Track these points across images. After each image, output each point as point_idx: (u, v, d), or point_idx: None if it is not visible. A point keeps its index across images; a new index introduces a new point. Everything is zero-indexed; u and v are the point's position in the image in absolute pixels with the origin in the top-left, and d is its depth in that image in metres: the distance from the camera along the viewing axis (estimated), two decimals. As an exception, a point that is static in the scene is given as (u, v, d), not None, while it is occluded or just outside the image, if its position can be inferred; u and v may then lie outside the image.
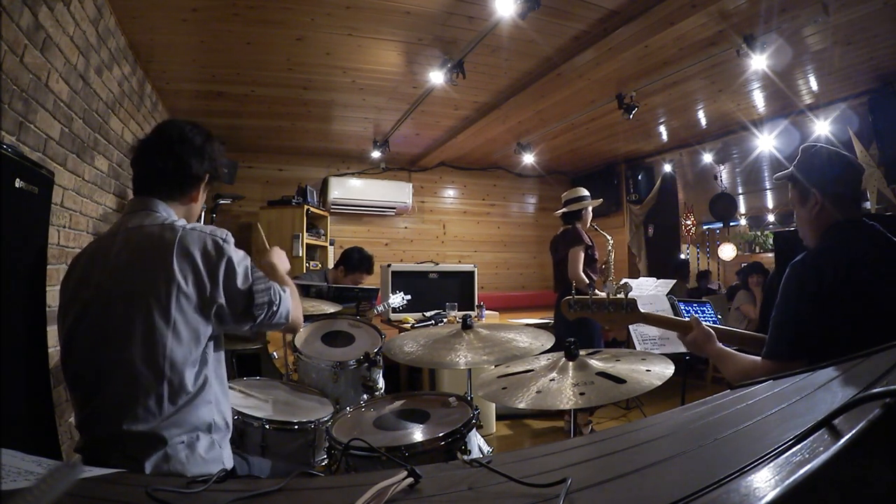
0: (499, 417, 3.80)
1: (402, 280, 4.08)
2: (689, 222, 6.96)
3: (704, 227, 8.58)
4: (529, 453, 0.74)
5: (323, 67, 3.36)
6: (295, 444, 1.74)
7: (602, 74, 3.35)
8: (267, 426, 1.68)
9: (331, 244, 5.25)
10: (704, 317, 2.53)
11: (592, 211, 3.58)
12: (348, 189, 5.48)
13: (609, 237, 3.61)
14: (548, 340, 1.70)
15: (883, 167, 3.69)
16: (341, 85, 3.67)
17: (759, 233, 9.02)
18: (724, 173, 6.19)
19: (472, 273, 4.56)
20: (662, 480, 0.51)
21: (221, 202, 4.31)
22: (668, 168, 5.70)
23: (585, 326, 3.07)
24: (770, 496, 0.37)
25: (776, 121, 4.41)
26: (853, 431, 0.44)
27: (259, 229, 2.36)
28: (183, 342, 1.08)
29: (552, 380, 1.29)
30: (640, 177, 5.87)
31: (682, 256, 6.87)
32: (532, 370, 1.40)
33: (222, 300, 1.13)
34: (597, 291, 2.31)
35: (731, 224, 7.95)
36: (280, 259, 1.52)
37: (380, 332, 2.37)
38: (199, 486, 0.65)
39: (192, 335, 1.10)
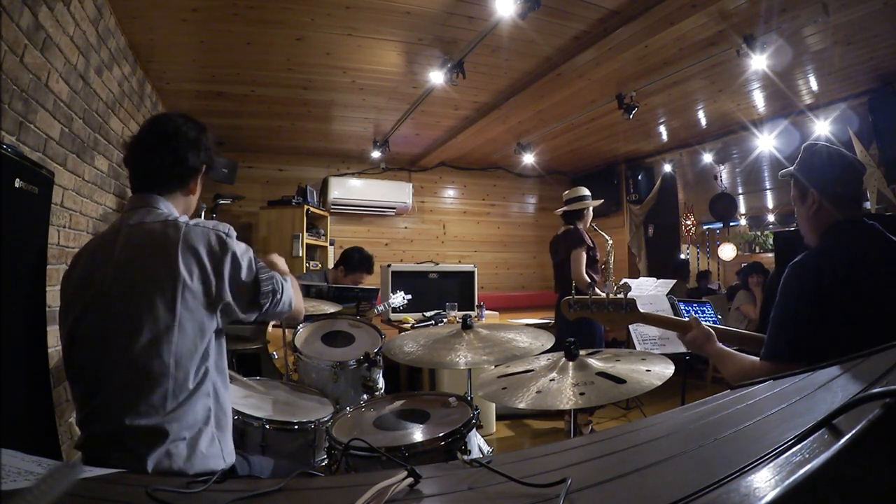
0: (499, 417, 3.80)
1: (402, 280, 4.08)
2: (689, 222, 6.96)
3: (704, 227, 8.59)
4: (529, 453, 0.74)
5: (323, 67, 3.36)
6: (295, 444, 1.74)
7: (602, 74, 3.35)
8: (267, 426, 1.68)
9: (331, 244, 5.25)
10: (704, 317, 2.53)
11: (592, 211, 3.58)
12: (348, 189, 5.48)
13: (608, 237, 3.61)
14: (548, 340, 1.70)
15: (883, 167, 3.69)
16: (341, 85, 3.67)
17: (759, 233, 9.02)
18: (724, 173, 6.19)
19: (472, 273, 4.56)
20: (662, 480, 0.51)
21: (221, 202, 4.30)
22: (668, 168, 5.70)
23: (587, 327, 3.07)
24: (770, 496, 0.37)
25: (776, 121, 4.41)
26: (853, 431, 0.44)
27: None
28: (188, 338, 1.09)
29: (552, 380, 1.29)
30: (640, 177, 5.87)
31: (682, 256, 6.87)
32: (532, 370, 1.40)
33: (228, 294, 1.14)
34: (597, 291, 2.31)
35: (731, 224, 7.95)
36: (279, 259, 1.53)
37: (380, 332, 2.37)
38: (199, 486, 0.65)
39: (198, 331, 1.10)
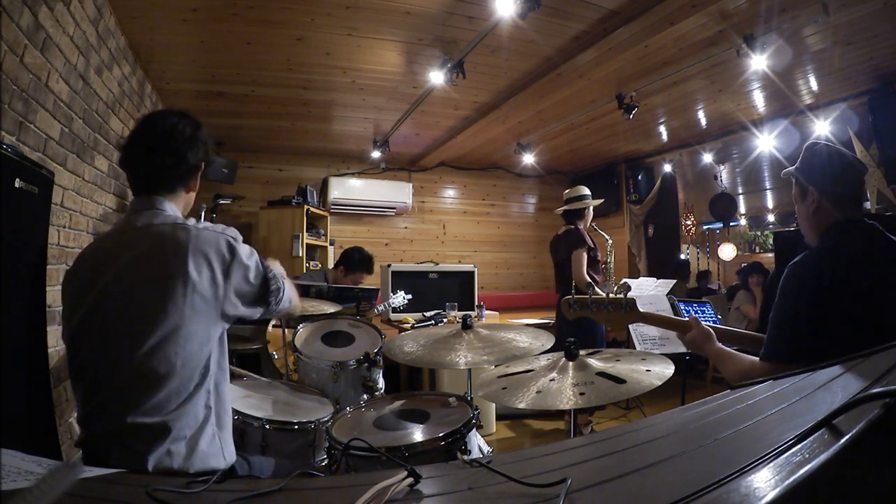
0: (499, 417, 3.80)
1: (402, 280, 4.08)
2: (689, 222, 6.96)
3: (704, 227, 8.58)
4: (529, 453, 0.74)
5: (323, 67, 3.36)
6: (295, 444, 1.74)
7: (602, 74, 3.35)
8: (267, 426, 1.68)
9: (331, 244, 5.25)
10: (704, 317, 2.53)
11: (592, 210, 3.58)
12: (348, 189, 5.48)
13: (608, 237, 3.61)
14: (548, 340, 1.70)
15: (883, 167, 3.69)
16: (341, 85, 3.67)
17: (759, 233, 9.02)
18: (724, 173, 6.19)
19: (472, 273, 4.56)
20: (662, 480, 0.51)
21: (221, 202, 4.30)
22: (668, 168, 5.69)
23: (588, 327, 3.07)
24: (770, 496, 0.37)
25: (776, 121, 4.41)
26: (853, 431, 0.44)
27: None
28: (195, 339, 1.10)
29: (552, 380, 1.29)
30: (640, 177, 5.87)
31: (683, 256, 6.87)
32: (532, 370, 1.40)
33: (236, 296, 1.17)
34: (597, 291, 2.31)
35: (731, 224, 7.95)
36: (274, 262, 1.55)
37: (380, 332, 2.37)
38: (199, 486, 0.65)
39: (205, 332, 1.12)
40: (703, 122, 4.63)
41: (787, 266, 1.27)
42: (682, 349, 1.58)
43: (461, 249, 6.24)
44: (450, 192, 6.26)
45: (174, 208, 1.22)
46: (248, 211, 5.09)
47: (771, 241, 7.80)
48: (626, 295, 1.51)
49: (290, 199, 4.76)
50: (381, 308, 3.49)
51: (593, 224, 3.62)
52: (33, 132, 1.76)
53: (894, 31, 2.90)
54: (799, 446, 0.46)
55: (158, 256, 1.11)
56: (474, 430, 1.54)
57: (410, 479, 0.59)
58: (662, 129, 4.91)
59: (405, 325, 3.81)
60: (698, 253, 8.74)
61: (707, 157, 5.33)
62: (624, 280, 3.06)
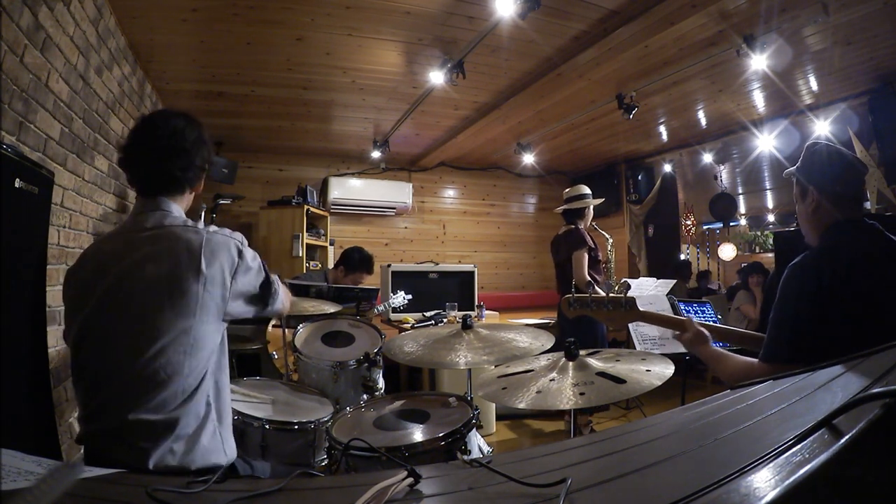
0: (499, 418, 3.80)
1: (402, 280, 4.08)
2: (689, 222, 6.96)
3: (704, 227, 8.58)
4: (529, 453, 0.74)
5: (323, 67, 3.36)
6: (295, 445, 1.74)
7: (602, 74, 3.35)
8: (267, 426, 1.68)
9: (331, 244, 5.25)
10: (704, 317, 2.53)
11: (593, 210, 3.57)
12: (348, 189, 5.48)
13: (608, 237, 3.61)
14: (548, 340, 1.70)
15: (883, 167, 3.69)
16: (341, 85, 3.67)
17: (759, 233, 9.01)
18: (724, 173, 6.19)
19: (472, 273, 4.56)
20: (662, 480, 0.51)
21: (221, 202, 4.30)
22: (668, 168, 5.69)
23: (590, 327, 3.07)
24: (770, 496, 0.37)
25: (776, 121, 4.41)
26: (853, 431, 0.44)
27: None
28: (202, 339, 1.12)
29: (552, 380, 1.29)
30: (640, 177, 5.87)
31: (683, 256, 6.87)
32: (532, 370, 1.40)
33: (240, 298, 1.20)
34: (597, 290, 2.31)
35: (731, 224, 7.95)
36: None
37: (380, 332, 2.37)
38: (199, 486, 0.65)
39: (213, 333, 1.15)
40: (703, 122, 4.62)
41: (788, 266, 1.27)
42: (683, 349, 1.58)
43: (461, 249, 6.24)
44: (450, 192, 6.26)
45: (179, 209, 1.24)
46: (248, 211, 5.10)
47: (771, 241, 7.79)
48: (625, 294, 1.51)
49: (290, 199, 4.77)
50: (381, 308, 3.49)
51: (593, 223, 3.62)
52: (33, 132, 1.76)
53: (894, 31, 2.90)
54: (799, 446, 0.46)
55: (170, 257, 1.12)
56: (474, 430, 1.54)
57: (410, 479, 0.59)
58: (662, 129, 4.91)
59: (405, 325, 3.81)
60: (698, 253, 8.73)
61: (707, 157, 5.32)
62: (624, 279, 3.06)
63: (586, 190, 3.55)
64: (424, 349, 1.73)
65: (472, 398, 1.73)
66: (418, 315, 3.91)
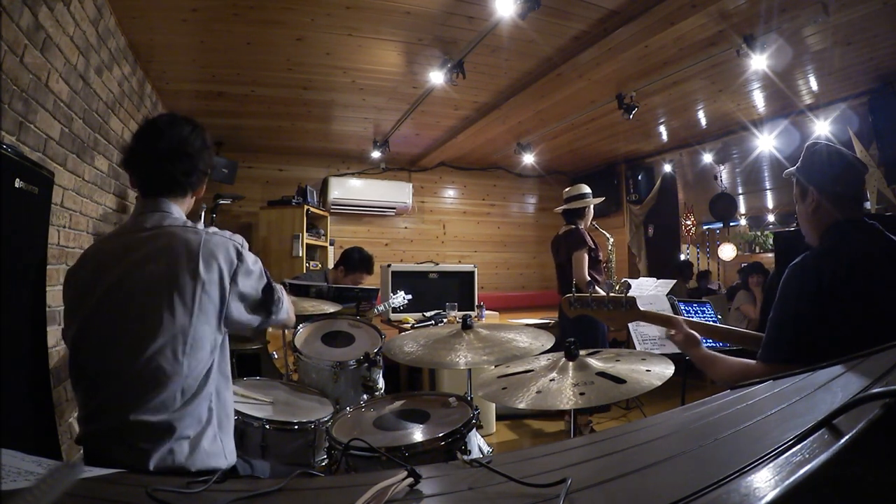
0: (499, 418, 3.80)
1: (402, 280, 4.08)
2: (689, 222, 6.96)
3: (704, 227, 8.58)
4: (529, 453, 0.74)
5: (323, 67, 3.36)
6: (295, 445, 1.74)
7: (602, 74, 3.34)
8: (267, 426, 1.68)
9: (331, 244, 5.25)
10: (704, 317, 2.53)
11: (593, 209, 3.57)
12: (348, 189, 5.48)
13: (609, 236, 3.61)
14: (548, 340, 1.70)
15: (883, 167, 3.69)
16: (341, 85, 3.67)
17: (759, 233, 9.02)
18: (724, 173, 6.19)
19: (472, 273, 4.56)
20: (662, 480, 0.51)
21: (221, 202, 4.30)
22: (668, 168, 5.69)
23: (591, 327, 3.07)
24: (770, 496, 0.37)
25: (776, 121, 4.41)
26: (853, 431, 0.44)
27: None
28: (201, 340, 1.12)
29: (552, 380, 1.29)
30: (640, 177, 5.87)
31: (683, 256, 6.87)
32: (532, 370, 1.40)
33: (240, 301, 1.20)
34: (598, 290, 2.31)
35: (731, 224, 7.95)
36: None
37: (380, 332, 2.37)
38: (199, 486, 0.65)
39: (210, 334, 1.14)
40: (703, 122, 4.62)
41: (788, 266, 1.27)
42: (683, 349, 1.58)
43: (461, 249, 6.24)
44: (450, 192, 6.26)
45: (180, 211, 1.25)
46: (248, 211, 5.10)
47: (771, 241, 7.80)
48: (626, 293, 1.51)
49: (290, 199, 4.77)
50: (381, 308, 3.49)
51: (594, 223, 3.62)
52: (33, 132, 1.76)
53: (894, 31, 2.90)
54: (799, 446, 0.46)
55: (169, 257, 1.12)
56: (474, 430, 1.54)
57: (410, 479, 0.59)
58: (662, 129, 4.91)
59: (405, 325, 3.81)
60: (698, 253, 8.74)
61: (707, 157, 5.33)
62: (624, 279, 3.06)
63: (586, 189, 3.54)
64: (424, 349, 1.73)
65: (472, 398, 1.73)
66: (418, 315, 3.91)
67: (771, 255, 7.03)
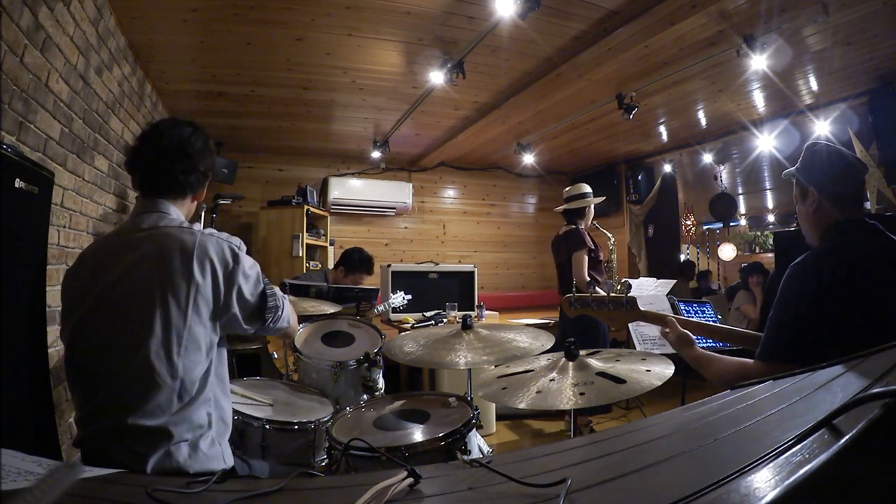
0: (499, 418, 3.80)
1: (402, 280, 4.08)
2: (689, 222, 6.96)
3: (704, 227, 8.59)
4: (529, 453, 0.74)
5: (323, 67, 3.36)
6: (295, 445, 1.74)
7: (602, 74, 3.34)
8: (267, 426, 1.68)
9: (331, 244, 5.25)
10: (704, 317, 2.52)
11: (594, 209, 3.57)
12: (348, 189, 5.48)
13: (610, 235, 3.60)
14: (548, 340, 1.70)
15: (883, 167, 3.69)
16: (341, 85, 3.67)
17: (759, 233, 9.02)
18: (724, 173, 6.19)
19: (472, 273, 4.56)
20: (662, 480, 0.51)
21: (221, 202, 4.30)
22: (668, 168, 5.69)
23: (592, 327, 3.07)
24: (770, 496, 0.37)
25: (776, 121, 4.41)
26: (853, 431, 0.44)
27: None
28: (196, 342, 1.11)
29: (552, 380, 1.29)
30: (640, 177, 5.87)
31: (683, 257, 6.87)
32: (532, 370, 1.40)
33: (235, 305, 1.18)
34: (598, 290, 2.31)
35: (731, 224, 7.95)
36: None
37: (380, 332, 2.37)
38: (199, 486, 0.65)
39: (206, 335, 1.14)
40: (703, 122, 4.62)
41: (789, 266, 1.27)
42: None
43: (461, 249, 6.24)
44: (450, 192, 6.26)
45: (178, 213, 1.24)
46: (248, 211, 5.10)
47: (771, 241, 7.80)
48: (626, 293, 1.51)
49: (290, 199, 4.77)
50: (381, 308, 3.49)
51: (594, 222, 3.61)
52: (33, 132, 1.76)
53: (894, 31, 2.90)
54: (799, 446, 0.46)
55: (164, 257, 1.12)
56: (474, 430, 1.54)
57: (410, 479, 0.59)
58: (662, 129, 4.91)
59: (405, 325, 3.81)
60: (698, 253, 8.74)
61: (707, 157, 5.33)
62: (625, 279, 3.06)
63: (587, 188, 3.54)
64: (424, 349, 1.73)
65: (472, 398, 1.73)
66: (418, 315, 3.91)
67: (771, 255, 7.03)
